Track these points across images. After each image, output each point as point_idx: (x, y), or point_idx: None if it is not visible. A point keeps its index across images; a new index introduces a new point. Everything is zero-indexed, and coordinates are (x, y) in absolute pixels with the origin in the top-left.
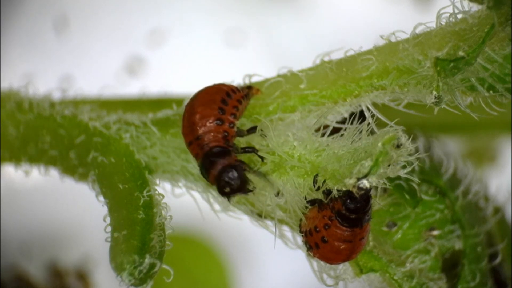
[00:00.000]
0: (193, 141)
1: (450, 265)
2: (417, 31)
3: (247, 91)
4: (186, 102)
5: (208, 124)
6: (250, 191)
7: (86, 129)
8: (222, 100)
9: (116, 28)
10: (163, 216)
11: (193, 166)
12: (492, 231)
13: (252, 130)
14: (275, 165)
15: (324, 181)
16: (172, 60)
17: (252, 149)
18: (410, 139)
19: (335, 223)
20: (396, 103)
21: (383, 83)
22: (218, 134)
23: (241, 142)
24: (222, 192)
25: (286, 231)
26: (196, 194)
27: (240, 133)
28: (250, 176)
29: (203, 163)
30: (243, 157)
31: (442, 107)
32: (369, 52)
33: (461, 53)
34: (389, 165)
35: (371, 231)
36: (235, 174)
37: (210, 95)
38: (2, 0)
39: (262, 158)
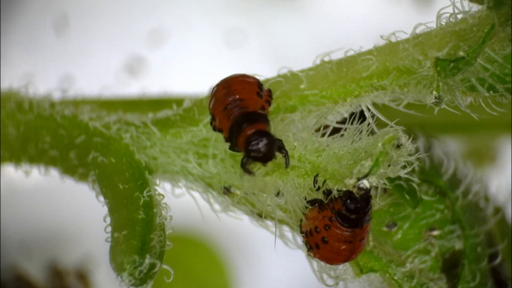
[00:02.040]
0: (229, 104)
1: (450, 265)
2: (417, 31)
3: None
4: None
5: (250, 94)
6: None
7: (86, 129)
8: (259, 85)
9: (116, 28)
10: (163, 216)
11: (193, 166)
12: (492, 231)
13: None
14: (275, 165)
15: (324, 181)
16: (172, 60)
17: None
18: (410, 139)
19: (335, 224)
20: (396, 103)
21: (383, 83)
22: (257, 102)
23: None
24: (248, 156)
25: (286, 231)
26: (196, 194)
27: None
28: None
29: (234, 124)
30: None
31: (442, 107)
32: (369, 52)
33: (461, 53)
34: (389, 165)
35: (371, 231)
36: (266, 140)
37: (247, 77)
38: (2, 0)
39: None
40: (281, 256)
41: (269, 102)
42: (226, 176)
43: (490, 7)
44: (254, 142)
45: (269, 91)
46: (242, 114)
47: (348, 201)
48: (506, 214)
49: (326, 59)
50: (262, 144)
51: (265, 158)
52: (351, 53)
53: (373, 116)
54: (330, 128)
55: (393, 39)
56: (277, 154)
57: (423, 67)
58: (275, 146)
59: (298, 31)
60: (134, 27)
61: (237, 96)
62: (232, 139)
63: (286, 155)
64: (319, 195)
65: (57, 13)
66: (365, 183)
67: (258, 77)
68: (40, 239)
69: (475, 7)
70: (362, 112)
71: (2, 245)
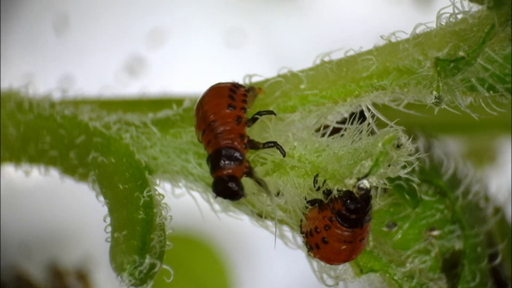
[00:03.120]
0: (206, 129)
1: (450, 265)
2: (417, 31)
3: (250, 90)
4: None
5: (220, 110)
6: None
7: (86, 129)
8: (231, 90)
9: (116, 28)
10: (163, 216)
11: (193, 166)
12: (492, 231)
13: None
14: (275, 165)
15: (324, 181)
16: (172, 60)
17: (273, 143)
18: (410, 139)
19: (336, 224)
20: (396, 103)
21: (383, 83)
22: (231, 119)
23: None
24: (215, 192)
25: (286, 231)
26: (196, 194)
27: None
28: (253, 180)
29: (211, 157)
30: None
31: (442, 107)
32: (369, 52)
33: (461, 53)
34: (389, 165)
35: (371, 231)
36: (233, 186)
37: (218, 89)
38: (2, 0)
39: (283, 153)
40: (281, 256)
41: (245, 102)
42: None
43: (490, 7)
44: (219, 188)
45: (246, 90)
46: (216, 150)
47: (348, 201)
48: (506, 214)
49: (326, 59)
50: (226, 192)
51: (229, 199)
52: (351, 53)
53: (373, 116)
54: (330, 128)
55: (393, 39)
56: (275, 150)
57: (423, 67)
58: (239, 191)
59: (298, 31)
60: (134, 27)
61: (211, 117)
62: (208, 165)
63: (278, 147)
64: (319, 195)
65: (57, 13)
66: (365, 183)
67: (258, 77)
68: (40, 239)
69: (475, 7)
70: (362, 112)
71: (2, 245)
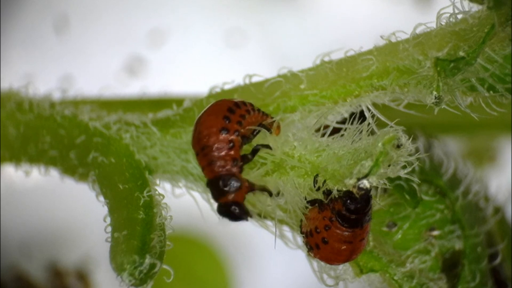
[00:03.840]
0: (199, 152)
1: (450, 265)
2: (417, 31)
3: (263, 116)
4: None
5: (213, 135)
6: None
7: (86, 129)
8: (229, 110)
9: (116, 28)
10: (163, 217)
11: (193, 166)
12: (492, 231)
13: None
14: (275, 165)
15: (324, 181)
16: (172, 60)
17: (258, 147)
18: (410, 139)
19: (336, 224)
20: (396, 103)
21: (383, 83)
22: (224, 144)
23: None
24: (220, 214)
25: (286, 231)
26: (196, 194)
27: (248, 140)
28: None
29: (210, 185)
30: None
31: (442, 107)
32: (369, 52)
33: (461, 53)
34: (389, 165)
35: (371, 231)
36: (237, 211)
37: (215, 108)
38: (2, 0)
39: (268, 146)
40: (281, 256)
41: (240, 124)
42: None
43: (490, 7)
44: (223, 213)
45: (246, 111)
46: (212, 180)
47: (348, 201)
48: (506, 214)
49: (326, 59)
50: (230, 217)
51: (234, 220)
52: (351, 53)
53: (373, 116)
54: (330, 128)
55: (393, 39)
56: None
57: (423, 67)
58: (243, 213)
59: (298, 31)
60: (134, 27)
61: (204, 141)
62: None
63: (262, 147)
64: (319, 195)
65: (57, 13)
66: (365, 183)
67: (258, 77)
68: (40, 239)
69: (475, 7)
70: (362, 112)
71: (2, 245)
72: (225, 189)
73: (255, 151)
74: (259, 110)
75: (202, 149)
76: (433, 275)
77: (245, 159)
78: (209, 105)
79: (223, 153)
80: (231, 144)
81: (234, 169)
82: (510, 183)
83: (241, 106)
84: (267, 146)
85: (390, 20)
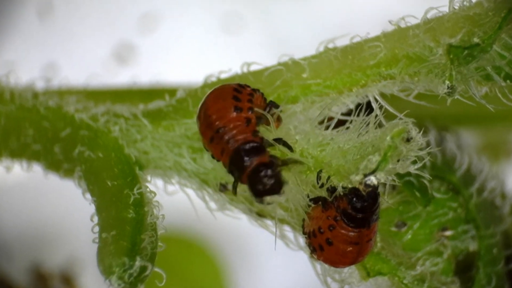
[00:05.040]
0: (214, 136)
1: (464, 268)
2: (429, 16)
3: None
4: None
5: (226, 114)
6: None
7: (72, 121)
8: (235, 90)
9: (105, 13)
10: (155, 215)
11: (187, 161)
12: (509, 231)
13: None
14: None
15: (329, 177)
16: (165, 47)
17: (281, 141)
18: (421, 132)
19: (341, 224)
20: (405, 94)
21: (391, 72)
22: (240, 122)
23: None
24: (256, 193)
25: (287, 231)
26: (190, 192)
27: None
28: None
29: (233, 160)
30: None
31: (456, 97)
32: (376, 38)
33: (476, 40)
34: (398, 160)
35: (379, 231)
36: (271, 173)
37: (220, 91)
38: None
39: (290, 147)
40: (282, 259)
41: (251, 102)
42: (222, 172)
43: None
44: (257, 184)
45: (252, 90)
46: (235, 150)
47: (354, 199)
48: None
49: (331, 46)
50: (268, 180)
51: (274, 191)
52: (357, 39)
53: (381, 107)
54: (335, 121)
55: (402, 25)
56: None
57: (435, 54)
58: (279, 176)
59: (300, 16)
60: (124, 11)
61: (217, 124)
62: (235, 177)
63: (285, 144)
64: (323, 193)
65: None
66: (373, 180)
67: (257, 66)
68: (22, 240)
69: None
70: (369, 103)
71: None
72: (250, 156)
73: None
74: (262, 93)
75: (217, 132)
76: (445, 278)
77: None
78: (212, 90)
79: (240, 129)
80: (248, 121)
81: (256, 138)
82: None
83: (245, 87)
84: (289, 146)
85: (399, 4)
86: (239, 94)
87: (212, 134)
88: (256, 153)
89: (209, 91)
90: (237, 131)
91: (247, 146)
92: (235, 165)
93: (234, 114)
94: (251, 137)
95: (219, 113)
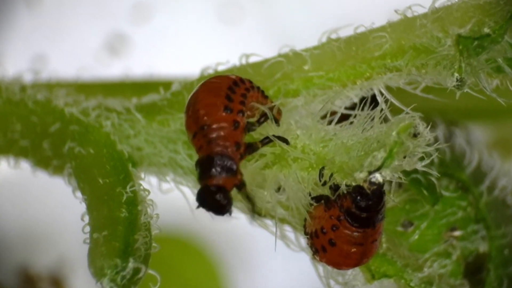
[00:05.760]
0: (198, 132)
1: (474, 270)
2: (437, 5)
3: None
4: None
5: (215, 112)
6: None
7: (61, 116)
8: (229, 88)
9: (96, 1)
10: (149, 215)
11: (183, 158)
12: None
13: (264, 118)
14: (276, 156)
15: (331, 175)
16: (159, 37)
17: (269, 139)
18: (429, 127)
19: (344, 224)
20: (412, 87)
21: (398, 64)
22: (227, 124)
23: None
24: (197, 201)
25: (288, 231)
26: (186, 190)
27: (253, 128)
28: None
29: (201, 161)
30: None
31: (465, 91)
32: (382, 28)
33: (486, 30)
34: (404, 157)
35: (384, 231)
36: (221, 199)
37: (214, 84)
38: None
39: (284, 140)
40: (282, 260)
41: (243, 104)
42: None
43: None
44: (204, 198)
45: (247, 88)
46: (207, 156)
47: (359, 197)
48: None
49: (334, 36)
50: (212, 204)
51: (213, 211)
52: (361, 29)
53: (386, 101)
54: (338, 115)
55: (409, 14)
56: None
57: (443, 45)
58: (226, 206)
59: (302, 4)
60: (116, 1)
61: (204, 120)
62: (198, 173)
63: (279, 139)
64: (326, 191)
65: None
66: (378, 177)
67: (256, 57)
68: (10, 241)
69: None
70: (374, 97)
71: None
72: (218, 170)
73: (266, 140)
74: (258, 88)
75: (201, 128)
76: (454, 281)
77: (251, 148)
78: (205, 80)
79: (225, 133)
80: (236, 125)
81: (234, 154)
82: None
83: (240, 84)
84: (285, 140)
85: None
86: (232, 92)
87: (196, 130)
88: (226, 172)
89: (202, 81)
90: (222, 134)
91: (222, 160)
92: (201, 167)
93: (223, 114)
94: (231, 151)
95: (208, 109)
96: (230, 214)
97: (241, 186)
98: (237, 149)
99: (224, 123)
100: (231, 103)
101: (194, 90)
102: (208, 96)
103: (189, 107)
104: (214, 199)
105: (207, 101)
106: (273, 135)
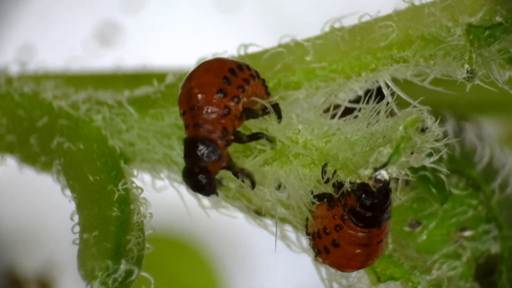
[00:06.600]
0: (187, 111)
1: (485, 272)
2: None
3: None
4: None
5: (208, 93)
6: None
7: (49, 109)
8: (230, 70)
9: None
10: (142, 214)
11: (178, 154)
12: None
13: (265, 112)
14: (276, 152)
15: (335, 172)
16: (153, 26)
17: (260, 135)
18: (438, 121)
19: (348, 223)
20: (420, 79)
21: (405, 55)
22: (218, 109)
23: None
24: (183, 179)
25: (289, 231)
26: (181, 188)
27: (253, 115)
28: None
29: (186, 143)
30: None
31: (476, 83)
32: (388, 17)
33: (498, 19)
34: (412, 153)
35: (390, 232)
36: (204, 181)
37: (215, 65)
38: None
39: (271, 140)
40: (283, 262)
41: (241, 90)
42: None
43: None
44: (188, 179)
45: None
46: (192, 137)
47: (363, 196)
48: None
49: (337, 25)
50: (195, 185)
51: (199, 192)
52: (366, 18)
53: (392, 94)
54: (342, 109)
55: (416, 2)
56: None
57: (453, 35)
58: (211, 188)
59: None
60: None
61: (195, 99)
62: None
63: (266, 137)
64: (329, 189)
65: None
66: (384, 174)
67: (256, 47)
68: None
69: None
70: (379, 89)
71: None
72: (200, 153)
73: (254, 136)
74: (263, 81)
75: (191, 109)
76: (464, 283)
77: (238, 138)
78: (207, 60)
79: (213, 117)
80: (226, 111)
81: (219, 140)
82: None
83: (245, 69)
84: (270, 139)
85: None
86: (232, 75)
87: (186, 108)
88: (208, 158)
89: (206, 60)
90: (209, 119)
91: (204, 145)
92: (186, 146)
93: (216, 96)
94: (215, 137)
95: (202, 89)
96: (217, 194)
97: (229, 167)
98: (224, 136)
99: (214, 108)
100: (228, 86)
101: (195, 66)
102: (205, 75)
103: (186, 82)
104: (197, 180)
105: (203, 80)
106: (262, 133)
